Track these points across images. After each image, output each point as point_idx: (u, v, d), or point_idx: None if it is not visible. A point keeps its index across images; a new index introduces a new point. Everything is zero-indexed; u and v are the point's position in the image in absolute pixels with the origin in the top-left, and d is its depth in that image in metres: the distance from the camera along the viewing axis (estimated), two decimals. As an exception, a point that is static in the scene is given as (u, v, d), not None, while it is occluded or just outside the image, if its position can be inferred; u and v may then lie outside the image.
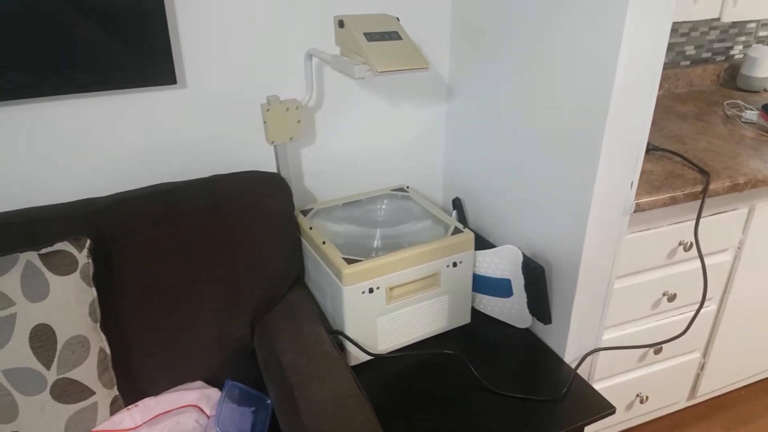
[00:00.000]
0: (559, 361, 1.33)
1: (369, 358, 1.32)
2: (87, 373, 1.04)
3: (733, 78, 2.13)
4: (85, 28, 1.17)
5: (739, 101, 1.92)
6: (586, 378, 1.42)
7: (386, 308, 1.28)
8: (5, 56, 1.13)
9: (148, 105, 1.32)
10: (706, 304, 1.57)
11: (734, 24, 2.06)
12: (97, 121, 1.29)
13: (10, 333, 0.97)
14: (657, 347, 1.54)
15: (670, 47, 1.99)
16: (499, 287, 1.40)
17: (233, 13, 1.32)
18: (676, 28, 1.96)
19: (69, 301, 1.03)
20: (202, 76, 1.35)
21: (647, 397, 1.63)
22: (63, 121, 1.26)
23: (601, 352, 1.43)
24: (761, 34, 2.14)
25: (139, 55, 1.23)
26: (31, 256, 1.02)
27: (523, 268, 1.33)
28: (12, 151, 1.24)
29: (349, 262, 1.22)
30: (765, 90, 2.04)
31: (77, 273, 1.04)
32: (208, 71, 1.34)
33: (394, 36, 1.17)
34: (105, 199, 1.22)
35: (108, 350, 1.10)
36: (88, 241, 1.08)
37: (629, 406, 1.62)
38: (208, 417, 1.13)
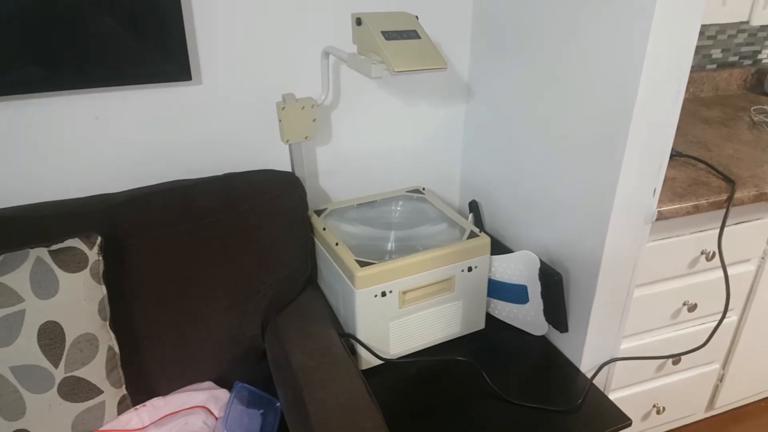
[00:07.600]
0: (575, 370, 1.30)
1: (380, 362, 1.30)
2: (95, 371, 1.04)
3: (760, 83, 2.08)
4: (101, 23, 1.16)
5: (766, 107, 1.87)
6: (602, 388, 1.39)
7: (399, 312, 1.26)
8: (22, 50, 1.13)
9: (163, 101, 1.31)
10: (727, 314, 1.53)
11: (763, 27, 2.01)
12: (113, 116, 1.28)
13: (18, 330, 0.96)
14: (675, 358, 1.50)
15: (696, 50, 1.94)
16: (515, 293, 1.37)
17: (249, 10, 1.30)
18: (702, 30, 1.91)
19: (78, 299, 1.02)
20: (218, 73, 1.33)
21: (664, 408, 1.59)
22: (78, 115, 1.25)
23: (618, 362, 1.40)
24: (790, 37, 2.09)
25: (155, 50, 1.22)
26: (41, 253, 1.01)
27: (540, 274, 1.30)
28: (27, 144, 1.24)
29: (362, 264, 1.20)
30: (793, 95, 1.99)
31: (87, 270, 1.03)
32: (223, 68, 1.33)
33: (412, 35, 1.14)
34: (120, 195, 1.22)
35: (117, 349, 1.09)
36: (99, 239, 1.07)
37: (645, 417, 1.59)
38: (217, 418, 1.12)
